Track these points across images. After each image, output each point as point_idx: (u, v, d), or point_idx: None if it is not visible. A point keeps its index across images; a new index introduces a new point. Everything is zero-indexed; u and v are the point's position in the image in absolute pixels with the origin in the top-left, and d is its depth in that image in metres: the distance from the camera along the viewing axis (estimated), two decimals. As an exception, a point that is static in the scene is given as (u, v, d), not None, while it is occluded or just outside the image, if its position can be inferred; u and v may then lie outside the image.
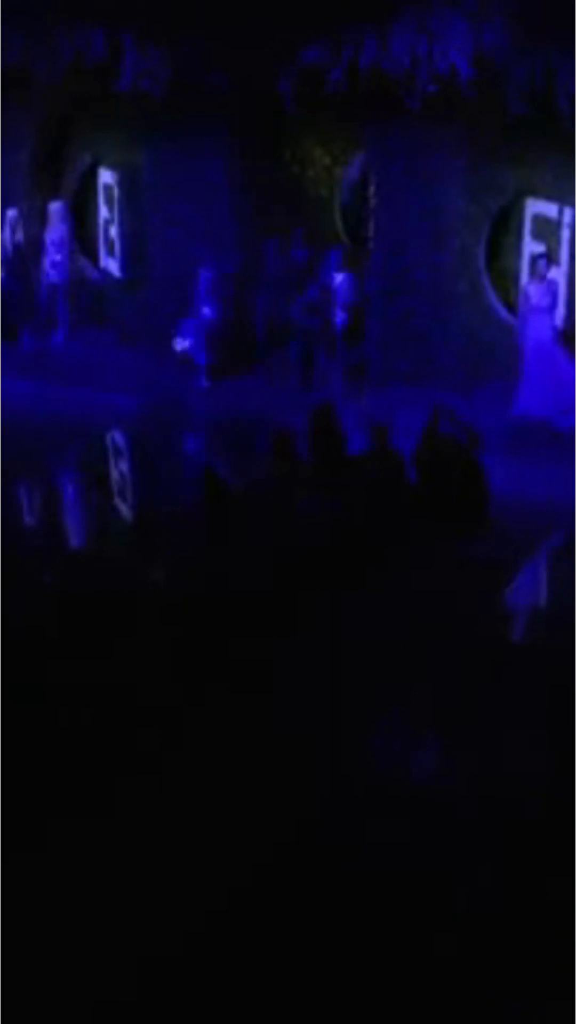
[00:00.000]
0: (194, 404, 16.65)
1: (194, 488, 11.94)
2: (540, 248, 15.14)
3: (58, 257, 17.64)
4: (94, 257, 18.88)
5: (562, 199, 14.92)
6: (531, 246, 15.31)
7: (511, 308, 15.56)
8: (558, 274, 14.70)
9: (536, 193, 15.23)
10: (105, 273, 18.51)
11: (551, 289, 14.64)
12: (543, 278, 14.64)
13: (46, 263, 17.66)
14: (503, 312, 15.77)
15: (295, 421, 11.85)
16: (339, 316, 16.28)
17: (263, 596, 8.89)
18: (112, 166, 18.40)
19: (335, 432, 11.86)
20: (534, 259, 14.90)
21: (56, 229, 17.66)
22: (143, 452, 16.11)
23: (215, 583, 9.27)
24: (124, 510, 13.81)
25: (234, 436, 15.40)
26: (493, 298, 15.91)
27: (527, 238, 15.35)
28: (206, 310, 16.72)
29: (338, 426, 11.80)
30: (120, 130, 17.82)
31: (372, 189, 16.19)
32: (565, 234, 14.95)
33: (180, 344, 16.57)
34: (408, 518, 11.14)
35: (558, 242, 15.04)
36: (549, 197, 15.14)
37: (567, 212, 14.87)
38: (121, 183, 18.26)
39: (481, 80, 14.45)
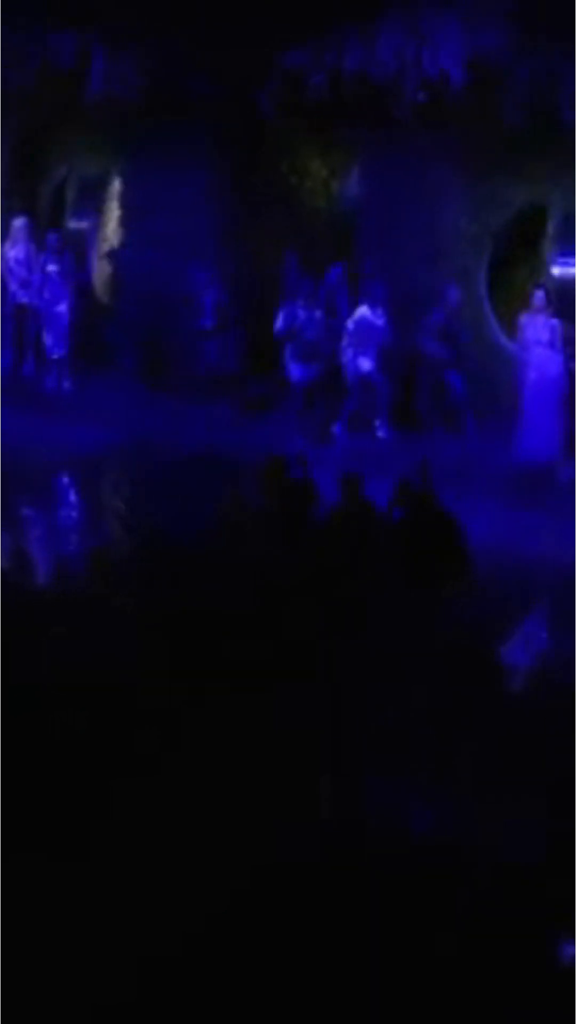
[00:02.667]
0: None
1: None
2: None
3: (26, 276, 16.28)
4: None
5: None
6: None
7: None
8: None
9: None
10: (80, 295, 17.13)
11: (549, 323, 13.17)
12: (540, 311, 13.17)
13: (13, 283, 16.33)
14: (506, 343, 14.31)
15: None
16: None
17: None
18: (85, 179, 17.09)
19: (299, 485, 11.16)
20: (531, 290, 13.46)
21: (19, 246, 16.34)
22: (115, 487, 14.72)
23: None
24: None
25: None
26: (495, 327, 14.42)
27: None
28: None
29: (300, 478, 11.15)
30: (93, 140, 16.52)
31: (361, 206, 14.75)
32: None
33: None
34: (381, 575, 10.33)
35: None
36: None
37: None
38: (95, 197, 16.93)
39: (476, 87, 12.97)
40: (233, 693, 7.70)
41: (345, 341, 14.25)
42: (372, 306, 14.21)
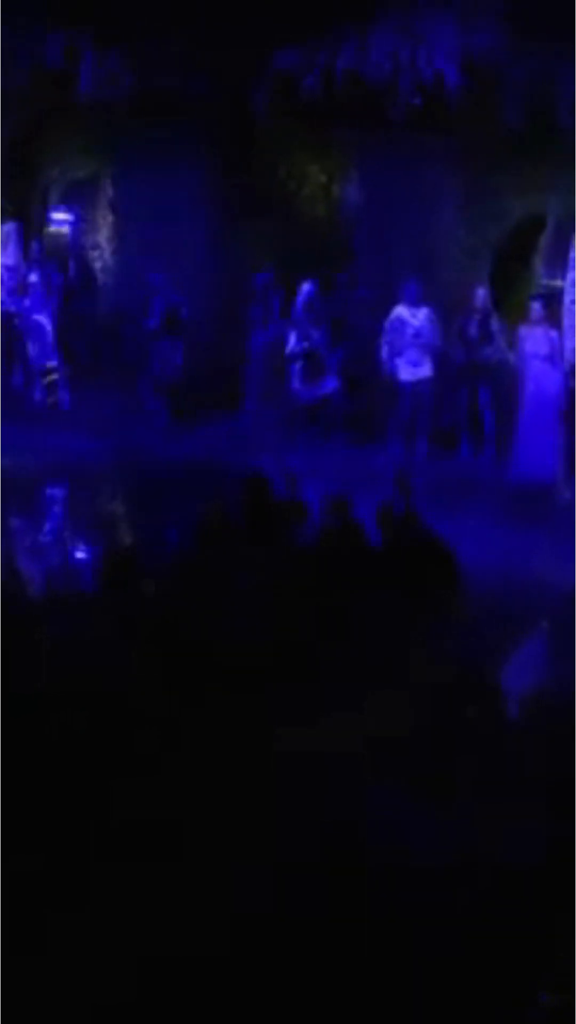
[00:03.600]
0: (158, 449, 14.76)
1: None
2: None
3: (15, 284, 15.79)
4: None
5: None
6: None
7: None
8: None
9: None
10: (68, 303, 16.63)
11: (548, 335, 12.59)
12: (538, 323, 12.59)
13: (2, 292, 15.83)
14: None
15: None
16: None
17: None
18: (73, 183, 16.55)
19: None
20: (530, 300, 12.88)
21: (10, 253, 15.83)
22: (103, 500, 14.19)
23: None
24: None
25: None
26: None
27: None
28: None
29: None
30: (83, 143, 16.06)
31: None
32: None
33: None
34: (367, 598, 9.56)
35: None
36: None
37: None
38: (82, 201, 16.42)
39: (472, 89, 12.41)
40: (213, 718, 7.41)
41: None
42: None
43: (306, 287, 14.16)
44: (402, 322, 13.54)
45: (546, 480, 12.67)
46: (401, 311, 13.54)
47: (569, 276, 13.07)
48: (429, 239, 14.09)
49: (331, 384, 14.24)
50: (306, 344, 14.16)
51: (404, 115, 12.86)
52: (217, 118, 14.23)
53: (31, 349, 15.93)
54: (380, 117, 13.02)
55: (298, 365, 14.26)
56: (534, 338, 12.61)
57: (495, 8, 12.22)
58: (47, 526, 13.30)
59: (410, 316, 13.52)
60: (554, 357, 12.60)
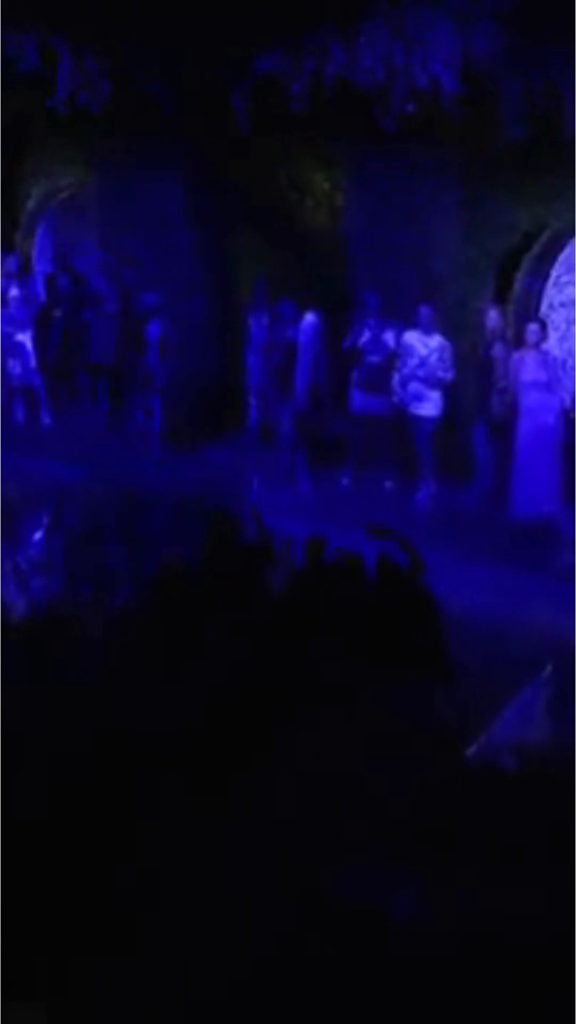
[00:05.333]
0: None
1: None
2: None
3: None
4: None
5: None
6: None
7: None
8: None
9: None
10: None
11: (547, 360, 11.68)
12: (534, 347, 11.69)
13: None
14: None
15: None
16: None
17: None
18: (48, 196, 15.72)
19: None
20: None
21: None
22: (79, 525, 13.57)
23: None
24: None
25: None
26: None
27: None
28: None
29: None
30: (60, 150, 15.29)
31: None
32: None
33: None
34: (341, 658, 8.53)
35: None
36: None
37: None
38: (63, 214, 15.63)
39: (471, 97, 11.50)
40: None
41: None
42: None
43: (310, 317, 13.29)
44: (408, 350, 12.61)
45: (544, 517, 11.77)
46: (410, 337, 12.62)
47: (567, 292, 12.22)
48: (425, 256, 13.19)
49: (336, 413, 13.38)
50: (312, 372, 13.33)
51: (397, 124, 11.88)
52: (196, 126, 13.35)
53: (12, 368, 15.16)
54: (373, 126, 12.08)
55: (303, 392, 13.42)
56: (529, 364, 11.72)
57: (494, 8, 11.25)
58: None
59: (420, 344, 12.59)
60: (552, 384, 11.69)
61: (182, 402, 14.43)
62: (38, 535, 13.58)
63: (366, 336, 12.78)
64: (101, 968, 5.40)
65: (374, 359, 12.75)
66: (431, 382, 12.58)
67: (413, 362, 12.57)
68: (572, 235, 12.44)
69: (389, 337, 12.74)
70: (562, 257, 12.80)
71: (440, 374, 12.54)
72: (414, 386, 12.62)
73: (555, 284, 12.83)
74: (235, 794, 6.76)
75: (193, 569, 9.39)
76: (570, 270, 12.81)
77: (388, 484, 12.99)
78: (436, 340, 12.56)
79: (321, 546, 9.34)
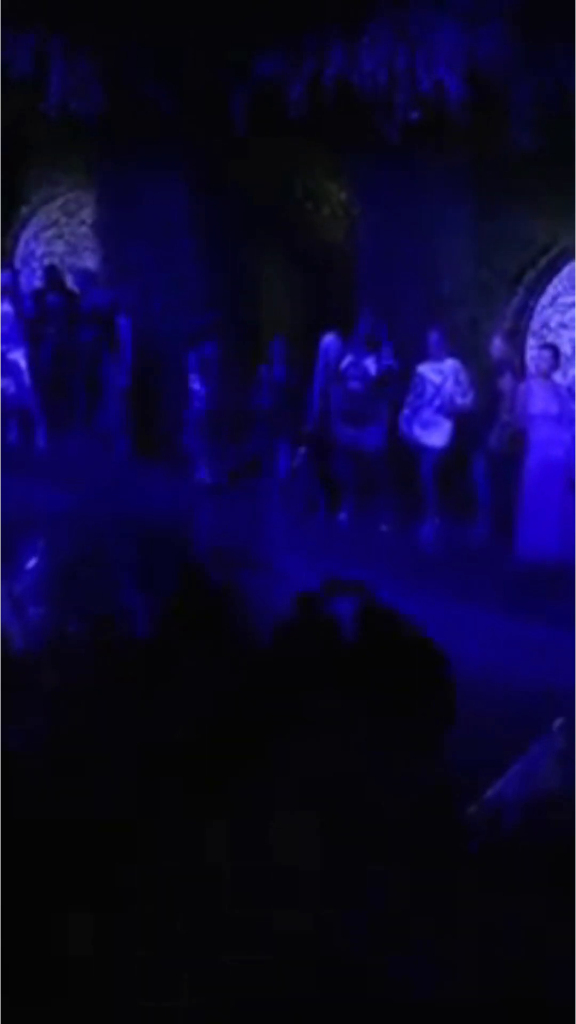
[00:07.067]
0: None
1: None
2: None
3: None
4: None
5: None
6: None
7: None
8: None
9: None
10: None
11: (559, 392, 10.71)
12: (544, 375, 10.73)
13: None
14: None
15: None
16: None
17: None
18: (46, 205, 15.01)
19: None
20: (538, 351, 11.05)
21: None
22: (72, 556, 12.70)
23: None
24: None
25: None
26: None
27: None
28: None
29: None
30: (53, 159, 14.49)
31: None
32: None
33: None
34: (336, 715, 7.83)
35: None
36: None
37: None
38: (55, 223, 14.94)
39: (478, 103, 10.60)
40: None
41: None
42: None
43: (328, 338, 12.39)
44: (422, 380, 11.71)
45: (553, 561, 10.80)
46: (423, 369, 11.72)
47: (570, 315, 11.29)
48: (439, 276, 12.29)
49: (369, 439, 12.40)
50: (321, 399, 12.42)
51: (399, 133, 11.00)
52: (194, 132, 12.52)
53: (6, 387, 14.41)
54: (376, 133, 11.20)
55: (312, 422, 12.54)
56: (538, 394, 10.75)
57: (502, 8, 10.34)
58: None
59: (433, 373, 11.67)
60: (563, 416, 10.72)
61: (186, 426, 13.55)
62: (32, 562, 12.76)
63: (347, 360, 11.85)
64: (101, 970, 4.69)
65: (354, 386, 11.79)
66: (446, 411, 11.63)
67: (429, 392, 11.62)
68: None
69: (370, 363, 11.78)
70: (563, 274, 11.83)
71: (459, 400, 11.61)
72: (426, 415, 11.68)
73: (552, 304, 11.86)
74: (226, 839, 6.07)
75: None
76: (571, 288, 11.85)
77: (384, 526, 12.03)
78: (449, 364, 11.64)
79: (312, 601, 8.57)
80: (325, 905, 5.40)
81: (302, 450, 12.29)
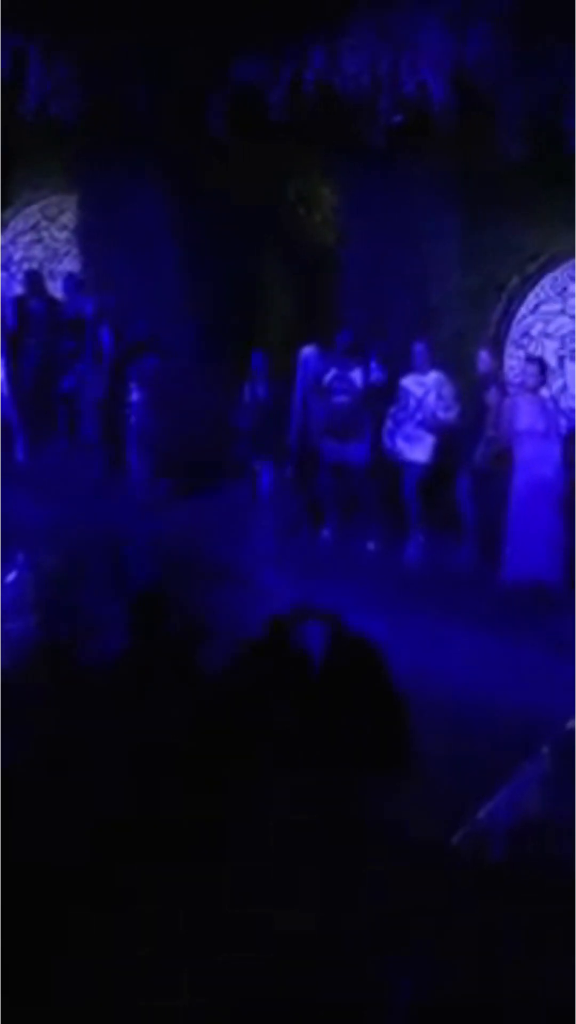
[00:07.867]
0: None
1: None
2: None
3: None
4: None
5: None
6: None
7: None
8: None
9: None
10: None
11: (546, 407, 10.42)
12: (532, 390, 10.43)
13: None
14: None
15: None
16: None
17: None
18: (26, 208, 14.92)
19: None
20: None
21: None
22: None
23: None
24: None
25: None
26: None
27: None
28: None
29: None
30: (32, 163, 14.39)
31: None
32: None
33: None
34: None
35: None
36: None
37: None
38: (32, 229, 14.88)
39: (465, 108, 10.31)
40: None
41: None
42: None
43: (307, 351, 12.09)
44: (405, 393, 11.44)
45: (541, 582, 10.51)
46: (407, 382, 11.47)
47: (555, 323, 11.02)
48: (426, 286, 12.02)
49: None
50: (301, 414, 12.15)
51: (384, 137, 10.71)
52: (174, 136, 12.26)
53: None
54: (359, 137, 10.91)
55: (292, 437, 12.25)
56: (525, 409, 10.45)
57: (490, 8, 10.03)
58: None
59: (415, 386, 11.40)
60: (550, 432, 10.42)
61: (166, 442, 13.26)
62: (11, 576, 12.60)
63: (331, 373, 11.57)
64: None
65: (340, 399, 11.51)
66: (428, 425, 11.33)
67: (411, 405, 11.34)
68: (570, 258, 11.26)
69: (356, 376, 11.49)
70: (544, 281, 11.55)
71: (440, 415, 11.32)
72: (408, 429, 11.39)
73: (534, 311, 11.58)
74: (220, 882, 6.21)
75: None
76: (554, 296, 11.57)
77: (371, 544, 11.73)
78: (432, 377, 11.38)
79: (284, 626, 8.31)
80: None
81: (284, 466, 12.02)
